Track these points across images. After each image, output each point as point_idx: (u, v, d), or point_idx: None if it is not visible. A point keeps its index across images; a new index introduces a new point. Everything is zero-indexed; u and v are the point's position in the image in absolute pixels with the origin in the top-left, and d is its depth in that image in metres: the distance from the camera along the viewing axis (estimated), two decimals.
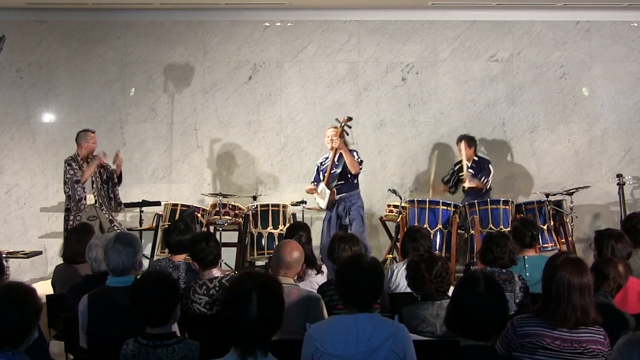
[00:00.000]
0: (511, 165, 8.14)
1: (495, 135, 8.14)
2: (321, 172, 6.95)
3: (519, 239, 4.74)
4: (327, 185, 6.73)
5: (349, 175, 6.77)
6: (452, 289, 3.14)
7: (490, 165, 7.41)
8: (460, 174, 7.44)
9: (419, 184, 8.20)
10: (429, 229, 6.50)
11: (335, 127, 6.81)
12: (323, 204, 6.82)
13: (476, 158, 7.48)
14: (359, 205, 6.85)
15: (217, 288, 3.90)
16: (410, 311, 3.44)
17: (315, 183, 6.98)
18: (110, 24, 8.19)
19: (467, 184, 7.24)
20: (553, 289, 2.90)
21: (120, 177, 6.99)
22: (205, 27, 8.23)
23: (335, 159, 6.74)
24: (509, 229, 6.45)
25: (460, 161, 7.48)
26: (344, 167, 6.72)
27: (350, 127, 6.80)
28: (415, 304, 3.51)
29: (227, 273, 4.46)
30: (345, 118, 6.75)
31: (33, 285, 2.71)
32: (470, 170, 7.33)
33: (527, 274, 4.54)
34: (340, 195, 6.75)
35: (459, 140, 7.49)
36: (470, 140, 7.47)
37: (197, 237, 4.19)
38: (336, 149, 6.67)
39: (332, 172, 6.73)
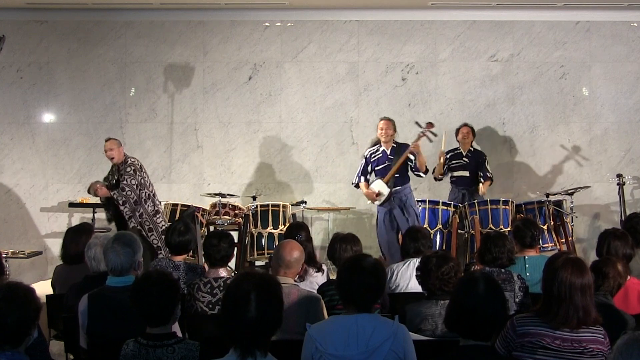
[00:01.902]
0: (511, 165, 8.15)
1: (495, 135, 8.15)
2: (370, 165, 6.68)
3: (520, 238, 4.73)
4: (387, 184, 6.53)
5: (406, 171, 6.66)
6: None
7: (486, 158, 7.43)
8: (451, 162, 7.39)
9: (419, 184, 8.20)
10: (428, 229, 6.50)
11: (388, 119, 6.70)
12: (378, 202, 6.60)
13: (472, 148, 7.49)
14: (414, 200, 6.68)
15: (221, 288, 3.90)
16: (413, 309, 3.44)
17: (363, 177, 6.71)
18: (110, 24, 8.19)
19: (483, 190, 7.16)
20: (554, 290, 2.89)
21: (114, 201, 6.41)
22: (205, 27, 8.23)
23: (389, 156, 6.62)
24: (509, 229, 6.48)
25: (453, 149, 7.45)
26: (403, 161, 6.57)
27: (435, 135, 6.73)
28: (419, 302, 3.51)
29: (232, 275, 4.46)
30: (428, 124, 6.67)
31: (32, 285, 2.70)
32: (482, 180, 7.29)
33: (528, 274, 4.53)
34: (395, 189, 6.56)
35: (465, 124, 7.49)
36: (473, 129, 7.53)
37: (214, 234, 4.33)
38: (413, 149, 6.50)
39: (393, 169, 6.54)
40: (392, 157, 6.60)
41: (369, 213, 7.89)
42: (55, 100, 8.22)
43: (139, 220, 6.34)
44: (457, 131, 7.54)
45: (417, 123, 6.81)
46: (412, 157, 6.54)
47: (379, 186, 6.56)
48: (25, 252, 6.97)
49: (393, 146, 6.67)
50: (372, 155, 6.72)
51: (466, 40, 8.23)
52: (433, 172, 7.32)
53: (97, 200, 6.82)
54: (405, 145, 6.65)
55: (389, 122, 6.66)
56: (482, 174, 7.30)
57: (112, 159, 6.40)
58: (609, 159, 8.20)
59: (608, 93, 8.22)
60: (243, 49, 8.23)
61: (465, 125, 7.54)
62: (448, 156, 7.45)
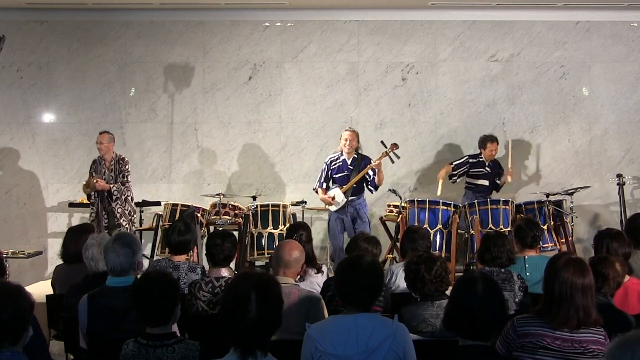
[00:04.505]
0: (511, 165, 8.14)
1: (495, 135, 8.13)
2: (330, 172, 6.95)
3: (521, 238, 4.75)
4: (345, 193, 6.79)
5: (363, 183, 6.90)
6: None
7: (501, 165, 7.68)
8: (473, 170, 7.51)
9: (419, 184, 8.21)
10: (428, 229, 6.51)
11: (353, 130, 6.97)
12: (334, 208, 6.86)
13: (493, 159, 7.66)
14: (367, 210, 7.00)
15: (222, 288, 3.90)
16: (410, 311, 3.44)
17: (325, 183, 6.97)
18: (110, 24, 8.19)
19: (508, 179, 7.49)
20: (555, 291, 2.89)
21: (110, 194, 6.91)
22: (205, 27, 8.23)
23: (349, 165, 6.88)
24: (509, 229, 6.48)
25: (476, 156, 7.57)
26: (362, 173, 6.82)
27: (398, 157, 6.94)
28: (415, 304, 3.50)
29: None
30: (393, 145, 6.88)
31: (32, 285, 2.72)
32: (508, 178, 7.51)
33: (528, 274, 4.54)
34: (351, 198, 6.83)
35: (493, 140, 7.55)
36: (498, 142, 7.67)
37: (217, 233, 4.33)
38: (375, 167, 6.72)
39: (353, 181, 6.79)
40: (351, 167, 6.87)
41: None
42: (55, 100, 8.22)
43: (129, 217, 6.95)
44: (484, 144, 7.53)
45: (382, 142, 6.98)
46: (371, 172, 6.79)
47: (336, 193, 6.83)
48: (25, 252, 6.96)
49: (354, 157, 6.92)
50: (333, 163, 6.98)
51: (466, 40, 8.23)
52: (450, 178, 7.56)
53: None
54: (367, 158, 6.89)
55: (353, 133, 6.94)
56: (499, 180, 7.58)
57: (100, 151, 6.99)
58: (609, 159, 8.20)
59: (608, 93, 8.22)
60: (243, 49, 8.23)
61: (495, 141, 7.56)
62: (470, 161, 7.53)
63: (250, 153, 8.21)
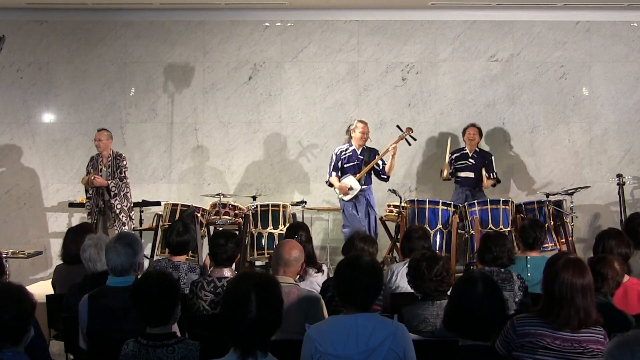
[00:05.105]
0: (511, 165, 8.14)
1: (495, 135, 8.14)
2: (340, 162, 7.05)
3: (524, 238, 4.76)
4: (359, 181, 6.94)
5: (372, 173, 7.11)
6: None
7: (492, 158, 7.58)
8: (457, 163, 7.49)
9: (419, 184, 8.21)
10: (429, 229, 6.50)
11: (366, 123, 7.12)
12: (348, 197, 6.98)
13: (478, 149, 7.58)
14: (374, 203, 7.12)
15: (224, 288, 3.91)
16: (410, 311, 3.44)
17: (335, 172, 7.07)
18: (110, 24, 8.19)
19: (486, 185, 7.39)
20: (555, 292, 2.89)
21: (108, 190, 6.97)
22: (205, 27, 8.23)
23: (359, 155, 7.04)
24: (509, 229, 6.48)
25: (459, 149, 7.59)
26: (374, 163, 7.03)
27: (415, 139, 7.18)
28: (415, 304, 3.50)
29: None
30: (408, 129, 7.08)
31: (33, 286, 2.73)
32: (487, 179, 7.40)
33: (529, 274, 4.54)
34: (364, 187, 7.00)
35: (473, 125, 7.60)
36: (480, 130, 7.63)
37: (221, 233, 4.33)
38: (391, 150, 6.92)
39: (370, 170, 6.99)
40: (361, 157, 7.04)
41: None
42: (55, 100, 8.22)
43: (128, 213, 6.99)
44: (464, 131, 7.60)
45: (398, 127, 7.16)
46: (380, 162, 7.01)
47: (351, 181, 6.97)
48: (25, 252, 6.97)
49: (363, 147, 7.08)
50: (342, 153, 7.11)
51: (466, 40, 8.23)
52: (441, 175, 7.52)
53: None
54: (375, 150, 7.09)
55: (367, 126, 7.11)
56: (487, 175, 7.45)
57: (98, 148, 7.07)
58: (609, 159, 8.20)
59: (608, 93, 8.22)
60: (243, 49, 8.23)
61: (473, 125, 7.60)
62: (454, 156, 7.51)
63: (250, 153, 8.21)
